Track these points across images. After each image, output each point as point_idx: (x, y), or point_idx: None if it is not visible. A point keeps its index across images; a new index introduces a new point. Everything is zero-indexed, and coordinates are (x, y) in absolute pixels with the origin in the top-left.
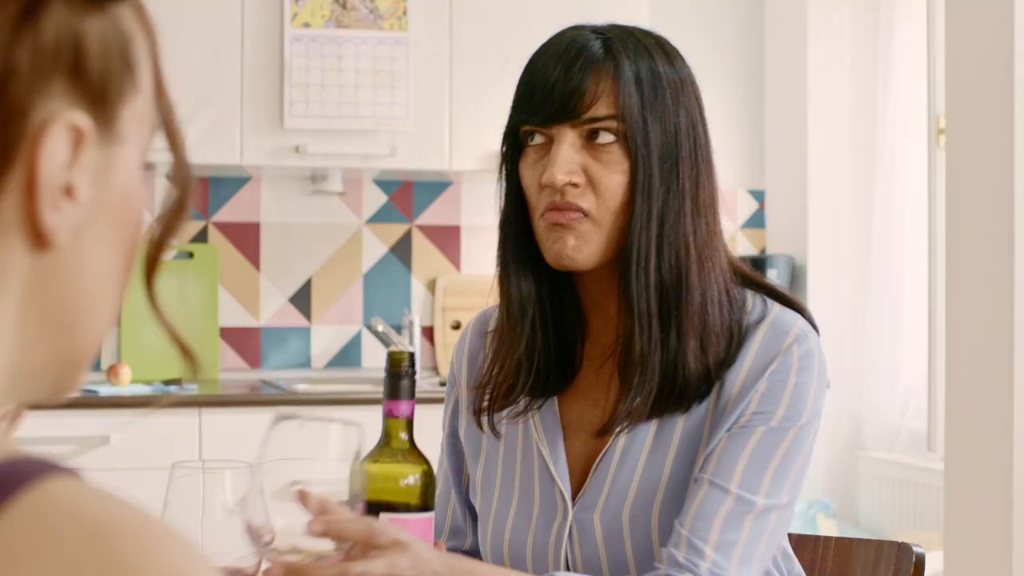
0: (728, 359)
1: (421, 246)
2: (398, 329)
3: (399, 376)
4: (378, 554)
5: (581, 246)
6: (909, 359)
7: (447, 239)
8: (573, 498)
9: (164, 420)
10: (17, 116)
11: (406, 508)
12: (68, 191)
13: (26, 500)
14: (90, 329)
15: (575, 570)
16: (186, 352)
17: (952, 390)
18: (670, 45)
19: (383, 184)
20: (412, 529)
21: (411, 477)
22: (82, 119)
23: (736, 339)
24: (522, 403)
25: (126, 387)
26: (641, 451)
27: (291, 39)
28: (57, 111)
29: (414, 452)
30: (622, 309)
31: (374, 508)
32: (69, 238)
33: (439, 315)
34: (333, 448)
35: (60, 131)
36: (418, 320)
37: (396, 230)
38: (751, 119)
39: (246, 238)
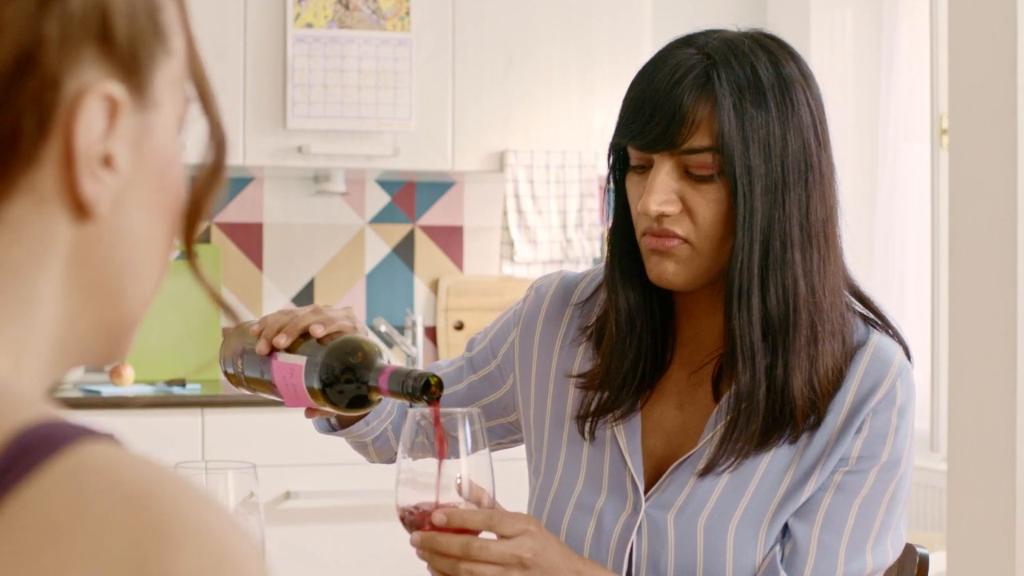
0: (836, 386)
1: (424, 246)
2: (401, 330)
3: (413, 397)
4: (504, 539)
5: (681, 271)
6: (912, 359)
7: (450, 239)
8: (645, 494)
9: (167, 420)
10: (50, 87)
11: (330, 379)
12: (107, 160)
13: (62, 463)
14: (136, 296)
15: (638, 568)
16: (225, 308)
17: (955, 391)
18: (782, 48)
19: (386, 184)
20: (295, 380)
21: (364, 387)
22: (116, 88)
23: (843, 365)
24: (626, 407)
25: (128, 387)
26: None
27: (294, 39)
28: (90, 81)
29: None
30: (726, 341)
31: (323, 360)
32: (110, 207)
33: (442, 316)
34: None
35: (95, 101)
36: (421, 321)
37: (399, 230)
38: None
39: (249, 238)
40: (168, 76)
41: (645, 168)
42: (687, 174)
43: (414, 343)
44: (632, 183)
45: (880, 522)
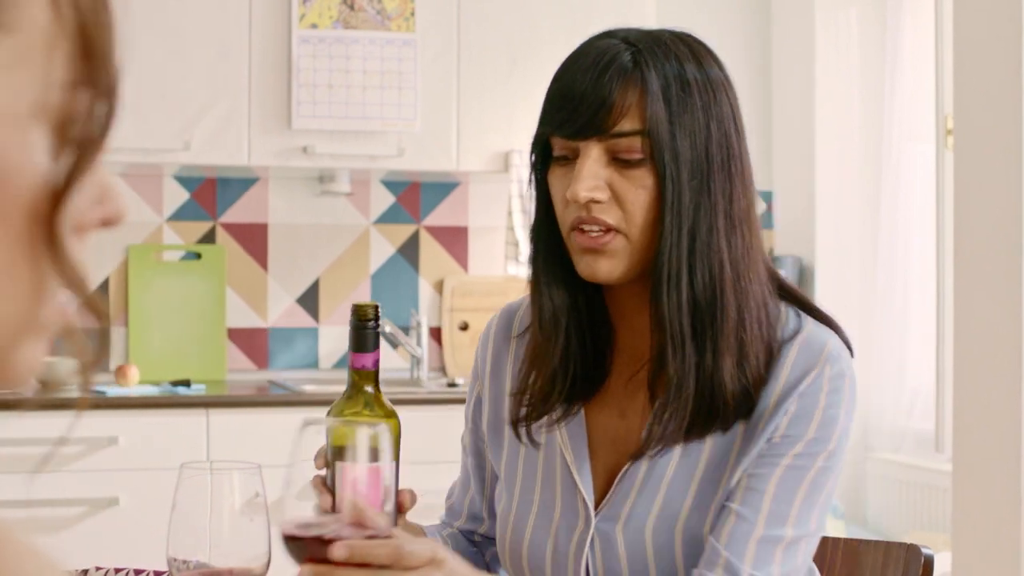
0: (764, 376)
1: (428, 247)
2: (406, 330)
3: (366, 328)
4: (413, 572)
5: (616, 266)
6: (917, 360)
7: (454, 240)
8: (596, 508)
9: (172, 421)
10: None
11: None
12: None
13: None
14: None
15: None
16: (97, 311)
17: (960, 391)
18: (704, 48)
19: (391, 185)
20: (362, 475)
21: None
22: None
23: (772, 356)
24: (559, 411)
25: (133, 388)
26: (668, 466)
27: (299, 40)
28: None
29: (380, 403)
30: (655, 328)
31: (339, 455)
32: None
33: (447, 316)
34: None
35: None
36: (425, 321)
37: (403, 231)
38: (759, 120)
39: (254, 239)
40: (4, 54)
41: (569, 159)
42: (615, 160)
43: (419, 343)
44: (556, 176)
45: (804, 493)
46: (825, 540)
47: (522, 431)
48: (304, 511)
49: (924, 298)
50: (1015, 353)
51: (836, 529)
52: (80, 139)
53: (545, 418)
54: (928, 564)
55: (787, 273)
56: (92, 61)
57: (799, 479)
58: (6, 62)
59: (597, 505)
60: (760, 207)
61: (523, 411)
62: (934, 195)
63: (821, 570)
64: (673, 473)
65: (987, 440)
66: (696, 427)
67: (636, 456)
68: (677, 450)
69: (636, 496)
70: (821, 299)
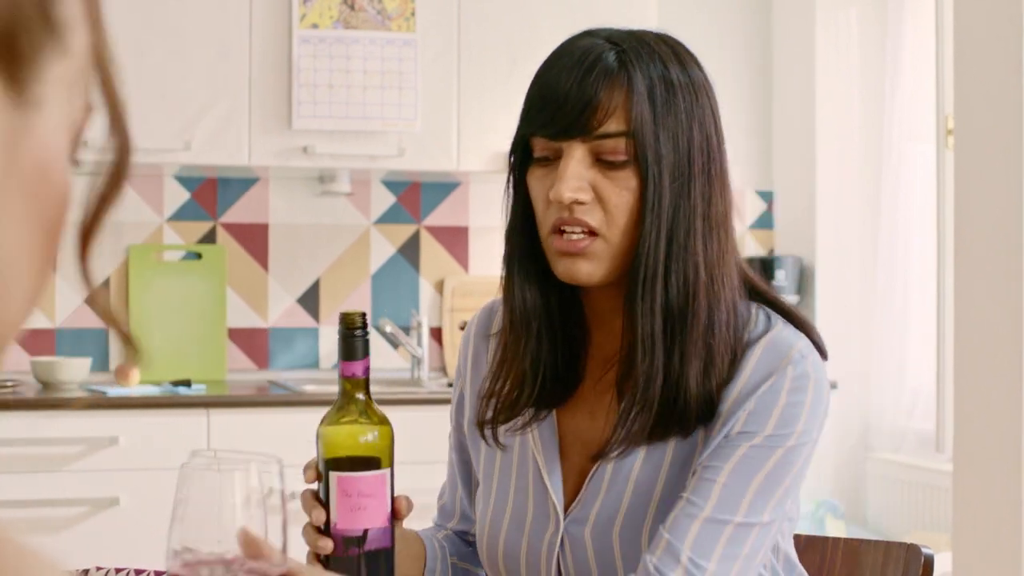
0: (727, 378)
1: (429, 247)
2: (406, 330)
3: (354, 336)
4: None
5: (596, 269)
6: (917, 360)
7: (455, 240)
8: (565, 511)
9: (172, 420)
10: None
11: (365, 465)
12: None
13: None
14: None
15: None
16: (127, 338)
17: (961, 391)
18: (685, 50)
19: (391, 185)
20: (365, 486)
21: (369, 435)
22: None
23: (737, 357)
24: (527, 415)
25: (134, 388)
26: (633, 468)
27: (299, 40)
28: None
29: (372, 410)
30: (627, 330)
31: (334, 465)
32: None
33: (447, 316)
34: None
35: None
36: (426, 321)
37: (404, 231)
38: (759, 120)
39: (254, 239)
40: (59, 75)
41: (551, 160)
42: (599, 162)
43: (419, 344)
44: (536, 177)
45: (759, 484)
46: (825, 540)
47: (488, 433)
48: (198, 545)
49: (924, 298)
50: (1015, 353)
51: (836, 529)
52: (111, 161)
53: (513, 421)
54: (928, 564)
55: (787, 273)
56: (103, 88)
57: (754, 470)
58: (67, 80)
59: (567, 507)
60: (759, 207)
61: (489, 414)
62: (934, 195)
63: (821, 570)
64: (638, 476)
65: (987, 440)
66: (658, 429)
67: (599, 457)
68: (642, 453)
69: (603, 498)
70: (821, 299)
